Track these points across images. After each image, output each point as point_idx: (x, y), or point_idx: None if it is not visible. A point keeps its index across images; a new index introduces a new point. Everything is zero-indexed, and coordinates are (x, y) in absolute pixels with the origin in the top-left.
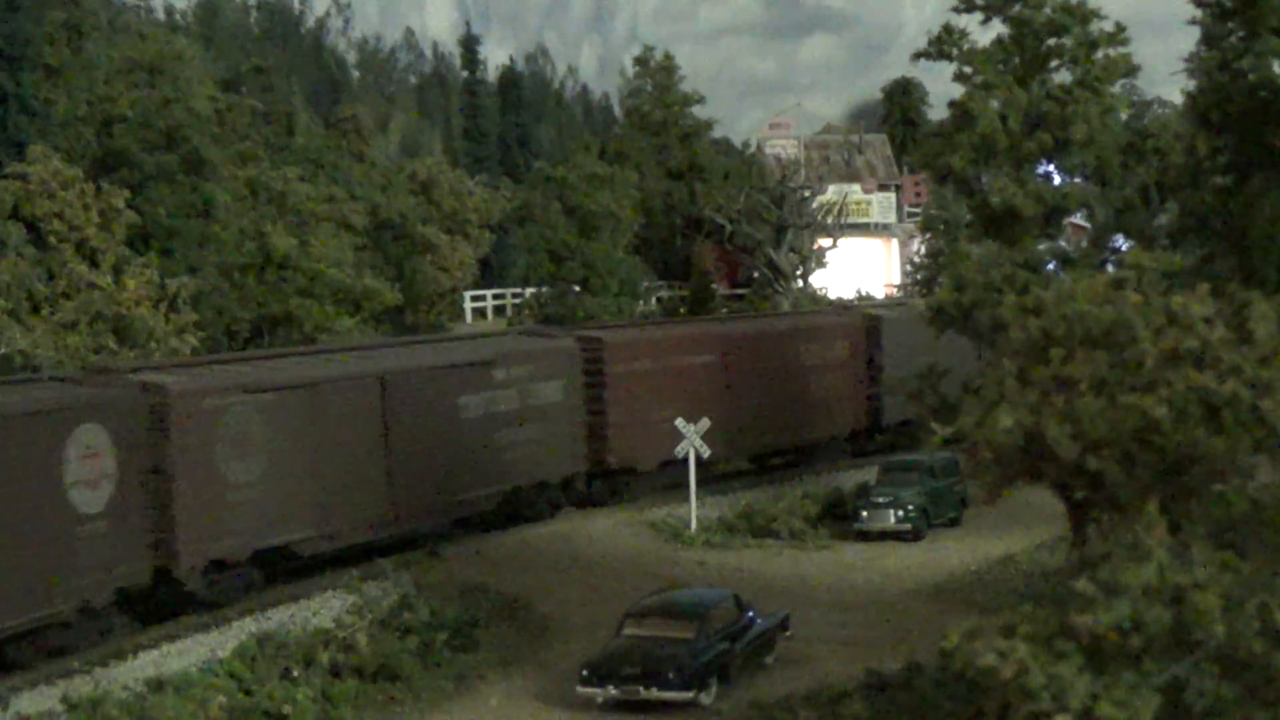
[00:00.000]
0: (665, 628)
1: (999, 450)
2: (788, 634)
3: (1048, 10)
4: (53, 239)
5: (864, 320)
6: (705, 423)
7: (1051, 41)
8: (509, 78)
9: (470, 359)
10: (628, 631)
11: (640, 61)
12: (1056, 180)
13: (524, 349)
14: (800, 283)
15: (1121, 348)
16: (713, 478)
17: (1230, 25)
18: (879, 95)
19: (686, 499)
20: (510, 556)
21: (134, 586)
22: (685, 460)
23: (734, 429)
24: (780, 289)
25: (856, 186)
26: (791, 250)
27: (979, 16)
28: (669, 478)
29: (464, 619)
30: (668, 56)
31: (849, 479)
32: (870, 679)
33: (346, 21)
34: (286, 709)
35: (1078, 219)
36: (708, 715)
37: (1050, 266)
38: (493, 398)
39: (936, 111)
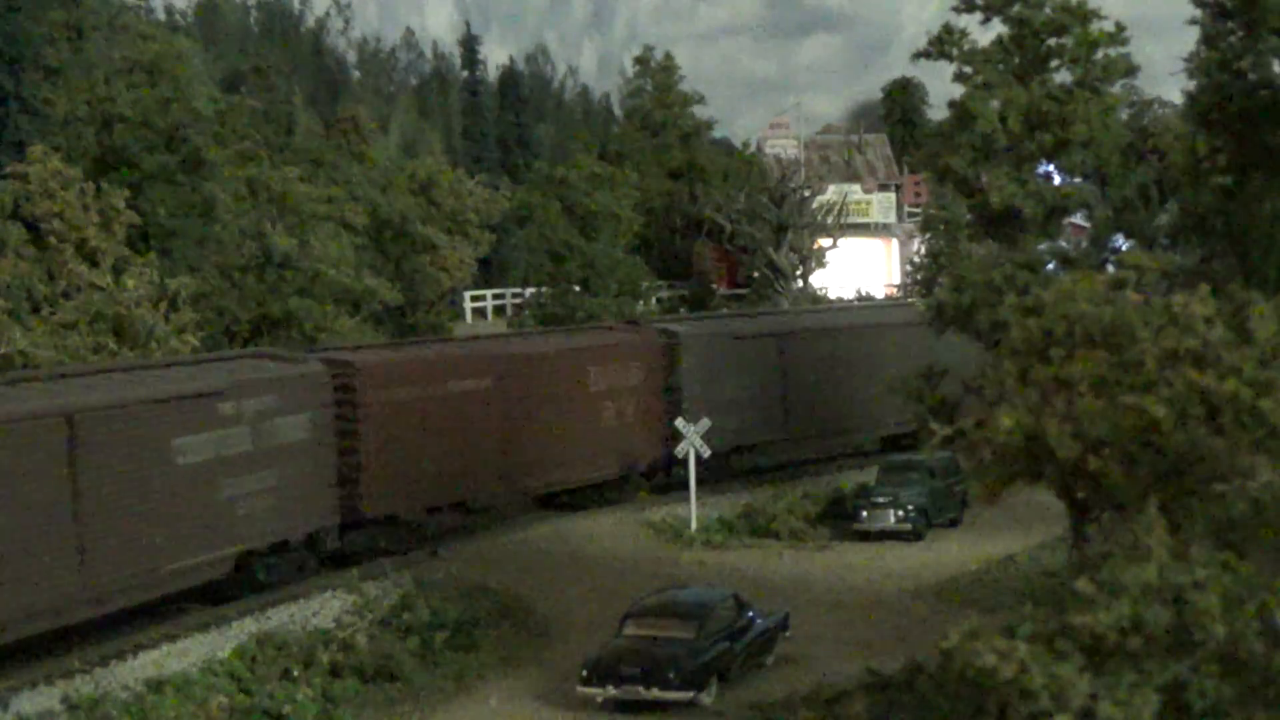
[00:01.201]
0: (665, 628)
1: (999, 450)
2: (788, 634)
3: (1048, 10)
4: (53, 239)
5: (660, 339)
6: (705, 422)
7: (1051, 41)
8: (509, 78)
9: (190, 390)
10: (628, 631)
11: (640, 61)
12: (1056, 180)
13: (260, 377)
14: (800, 283)
15: (1121, 348)
16: (486, 524)
17: (1230, 25)
18: (879, 95)
19: (686, 499)
20: (510, 556)
21: None
22: (454, 506)
23: (510, 466)
24: (780, 289)
25: (856, 186)
26: (791, 250)
27: (979, 16)
28: (436, 524)
29: (464, 619)
30: (668, 56)
31: (849, 479)
32: (870, 679)
33: (346, 21)
34: (286, 709)
35: (1078, 219)
36: (708, 715)
37: (1050, 266)
38: (220, 438)
39: (936, 111)
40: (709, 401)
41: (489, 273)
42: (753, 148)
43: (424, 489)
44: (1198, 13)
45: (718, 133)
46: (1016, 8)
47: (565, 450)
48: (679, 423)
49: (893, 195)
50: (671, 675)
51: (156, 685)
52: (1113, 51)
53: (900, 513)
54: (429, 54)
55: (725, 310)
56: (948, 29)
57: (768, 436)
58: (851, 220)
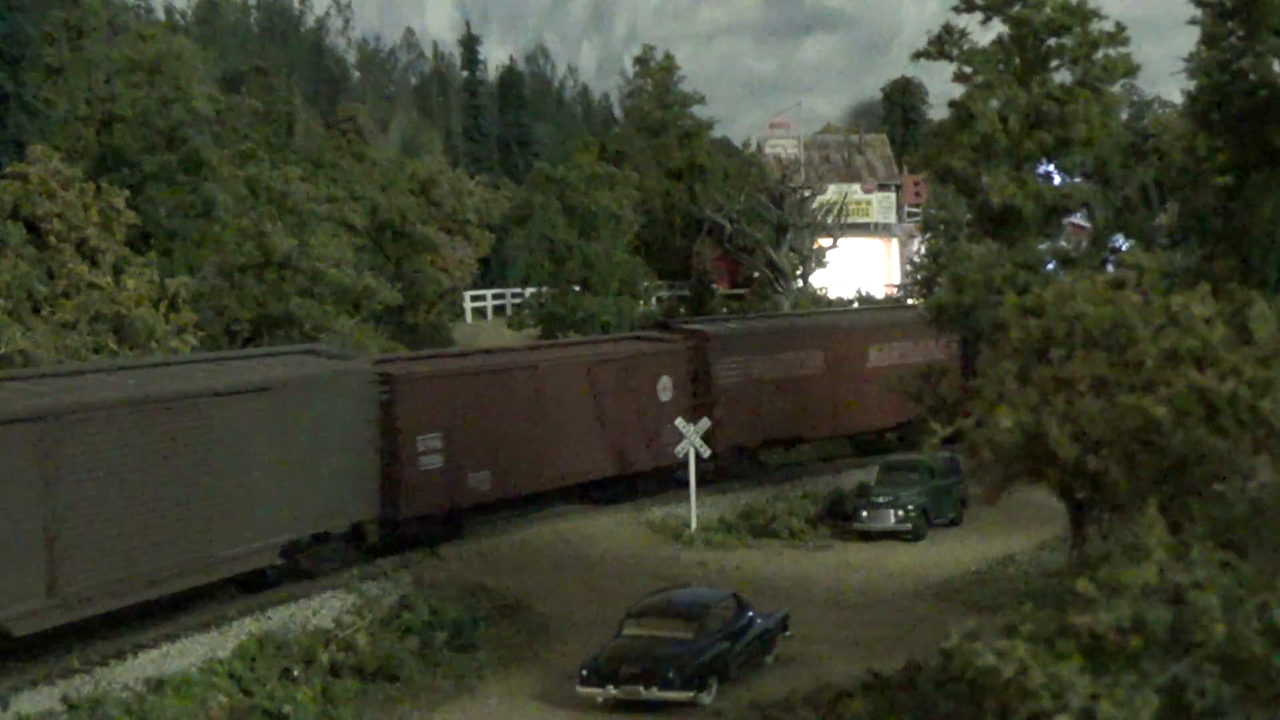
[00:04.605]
0: (665, 628)
1: (999, 450)
2: (788, 634)
3: (1048, 10)
4: (53, 239)
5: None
6: (705, 422)
7: (1051, 41)
8: (509, 78)
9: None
10: (628, 631)
11: (640, 61)
12: (1056, 180)
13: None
14: (800, 283)
15: (1121, 348)
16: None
17: (1230, 25)
18: (879, 95)
19: (686, 499)
20: (510, 556)
21: None
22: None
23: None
24: (780, 289)
25: (856, 186)
26: (791, 250)
27: (979, 16)
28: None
29: (464, 619)
30: (668, 56)
31: (849, 479)
32: (870, 679)
33: (346, 21)
34: (286, 709)
35: (1078, 219)
36: (708, 715)
37: (1050, 266)
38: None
39: (936, 111)
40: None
41: (489, 273)
42: (753, 148)
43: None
44: (1198, 13)
45: (718, 133)
46: (1016, 8)
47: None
48: (679, 422)
49: (893, 195)
50: (671, 675)
51: (156, 685)
52: (1113, 51)
53: (900, 513)
54: (429, 54)
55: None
56: (948, 29)
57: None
58: (851, 220)
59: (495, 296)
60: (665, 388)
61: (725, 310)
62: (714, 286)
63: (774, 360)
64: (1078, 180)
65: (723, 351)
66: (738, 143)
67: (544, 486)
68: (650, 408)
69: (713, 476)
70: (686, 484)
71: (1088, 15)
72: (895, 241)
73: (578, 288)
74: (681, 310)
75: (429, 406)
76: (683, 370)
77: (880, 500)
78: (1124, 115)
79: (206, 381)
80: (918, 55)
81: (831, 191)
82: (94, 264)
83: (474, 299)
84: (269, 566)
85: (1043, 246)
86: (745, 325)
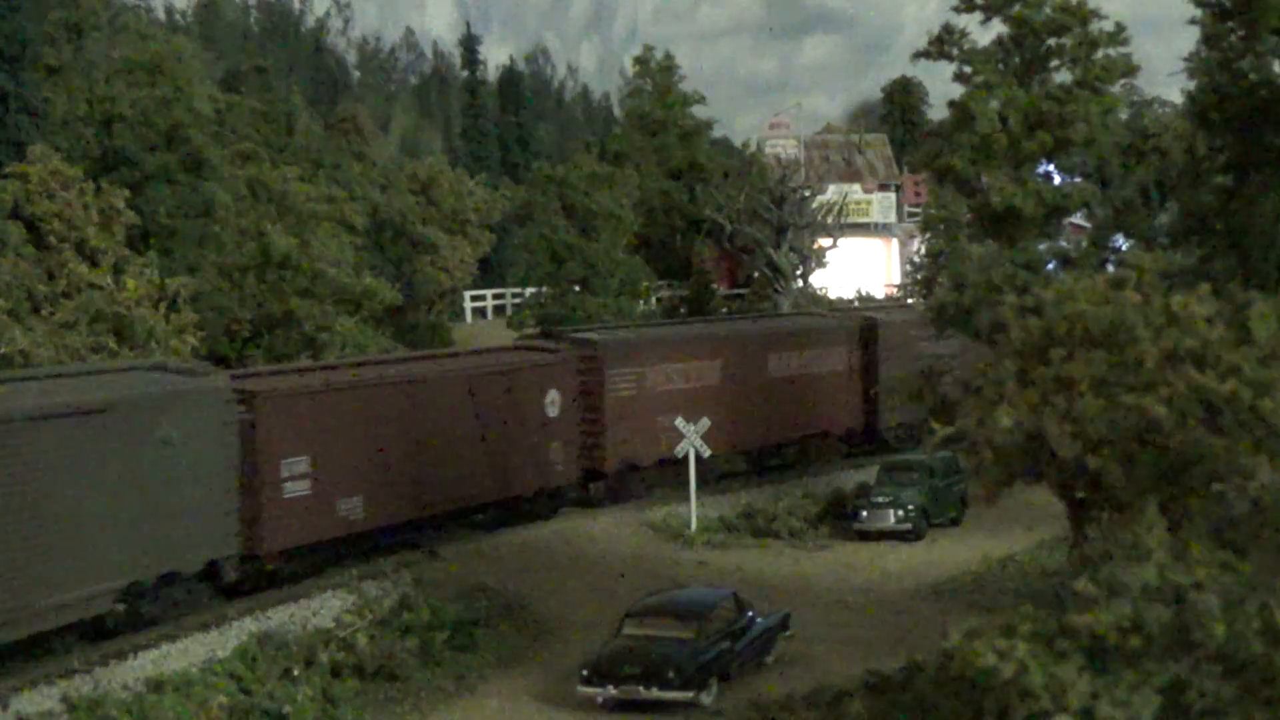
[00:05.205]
0: (665, 628)
1: (999, 450)
2: (788, 634)
3: (1048, 10)
4: (53, 239)
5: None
6: (705, 422)
7: (1051, 41)
8: (509, 78)
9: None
10: (628, 631)
11: (640, 61)
12: (1056, 180)
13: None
14: (800, 283)
15: (1121, 348)
16: None
17: (1230, 25)
18: (879, 95)
19: (686, 499)
20: (510, 556)
21: None
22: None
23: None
24: (780, 289)
25: (856, 186)
26: (791, 250)
27: (979, 16)
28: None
29: (464, 619)
30: (668, 56)
31: (849, 479)
32: (870, 679)
33: (346, 21)
34: (286, 709)
35: (1078, 219)
36: (708, 715)
37: (1050, 266)
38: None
39: (936, 111)
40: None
41: (489, 273)
42: (753, 148)
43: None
44: (1198, 13)
45: (718, 133)
46: (1016, 8)
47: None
48: (679, 422)
49: (893, 195)
50: (671, 675)
51: (156, 685)
52: (1113, 51)
53: (900, 513)
54: (429, 54)
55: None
56: (948, 29)
57: None
58: (851, 220)
59: (495, 296)
60: (553, 402)
61: (725, 310)
62: (714, 286)
63: (669, 371)
64: (1078, 180)
65: (615, 362)
66: (738, 143)
67: (422, 513)
68: (536, 424)
69: (602, 498)
70: (557, 510)
71: (1088, 15)
72: (895, 241)
73: (578, 288)
74: (681, 310)
75: (294, 427)
76: (572, 383)
77: (880, 500)
78: (1124, 115)
79: (20, 402)
80: (918, 55)
81: (831, 191)
82: (94, 264)
83: (474, 299)
84: (107, 614)
85: (1043, 246)
86: (638, 333)
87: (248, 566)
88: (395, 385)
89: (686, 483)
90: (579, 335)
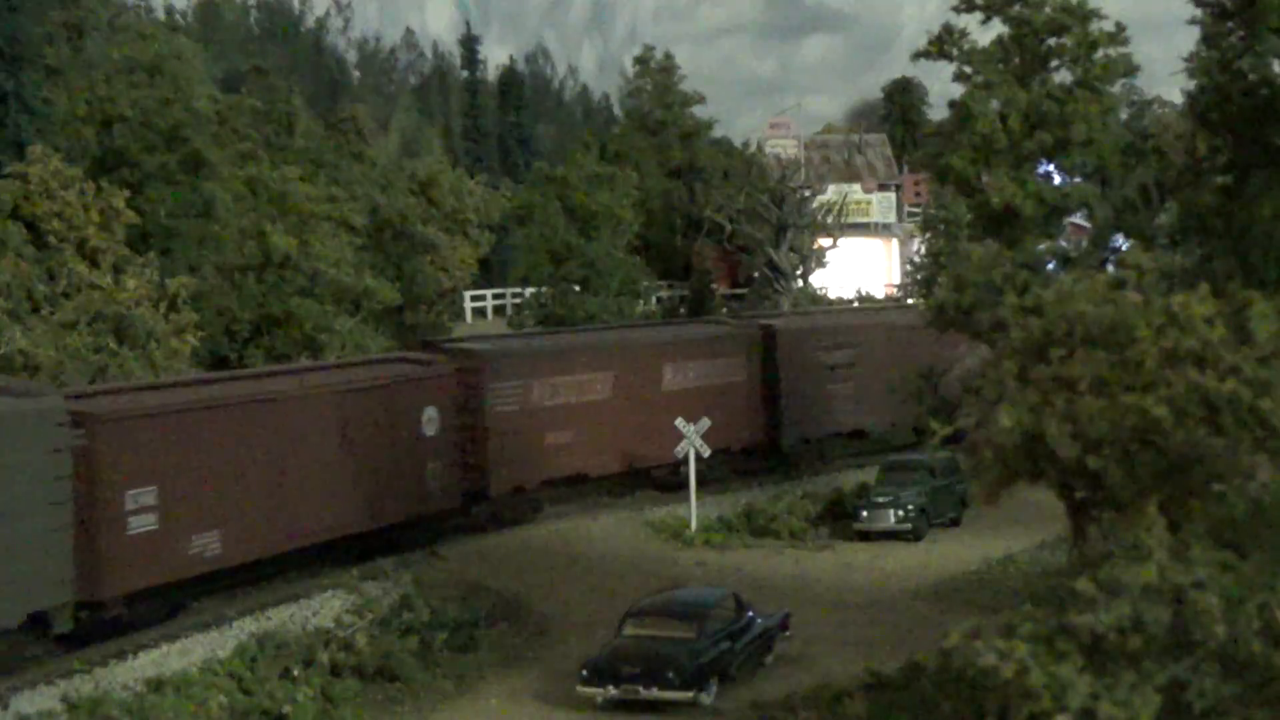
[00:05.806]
0: (665, 628)
1: (999, 450)
2: (788, 634)
3: (1048, 10)
4: (53, 239)
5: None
6: (705, 422)
7: (1051, 41)
8: (509, 78)
9: None
10: (628, 631)
11: (640, 61)
12: (1056, 180)
13: None
14: (800, 282)
15: (1121, 348)
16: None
17: (1230, 25)
18: (879, 95)
19: (686, 499)
20: (510, 556)
21: None
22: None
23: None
24: (780, 289)
25: (856, 186)
26: (791, 250)
27: (979, 16)
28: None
29: (464, 619)
30: (668, 56)
31: (849, 479)
32: (870, 679)
33: (346, 21)
34: (286, 709)
35: (1078, 219)
36: (708, 715)
37: (1050, 266)
38: None
39: (936, 111)
40: None
41: (489, 273)
42: (753, 148)
43: None
44: (1198, 13)
45: (718, 133)
46: (1016, 8)
47: None
48: (679, 422)
49: (893, 195)
50: (671, 675)
51: (156, 685)
52: (1113, 51)
53: (900, 513)
54: (429, 54)
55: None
56: (948, 29)
57: None
58: (851, 220)
59: (495, 296)
60: (430, 420)
61: (724, 310)
62: (714, 286)
63: (556, 384)
64: (1078, 180)
65: (497, 375)
66: (738, 143)
67: (284, 547)
68: (411, 444)
69: (485, 523)
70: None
71: (1088, 15)
72: (895, 241)
73: (578, 288)
74: (681, 311)
75: (139, 453)
76: (451, 398)
77: (880, 500)
78: (1124, 115)
79: None
80: (918, 55)
81: (831, 191)
82: (94, 264)
83: (474, 299)
84: None
85: (1042, 246)
86: (523, 343)
87: (87, 615)
88: (254, 404)
89: (573, 501)
90: (459, 346)
